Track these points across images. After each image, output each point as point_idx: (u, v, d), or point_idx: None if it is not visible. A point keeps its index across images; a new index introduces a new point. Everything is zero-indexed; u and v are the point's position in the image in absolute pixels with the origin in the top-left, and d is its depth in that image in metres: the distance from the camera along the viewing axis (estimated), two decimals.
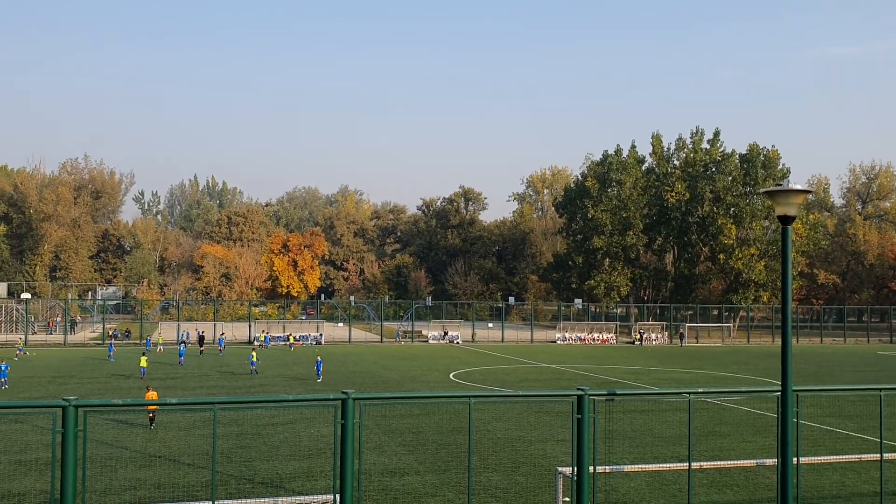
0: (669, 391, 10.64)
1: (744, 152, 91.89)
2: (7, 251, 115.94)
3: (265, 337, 66.24)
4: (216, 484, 8.77)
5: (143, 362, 42.48)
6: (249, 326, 71.68)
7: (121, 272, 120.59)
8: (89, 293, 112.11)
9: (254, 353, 45.17)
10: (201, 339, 58.90)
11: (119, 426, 26.21)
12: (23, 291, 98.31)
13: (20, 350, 54.23)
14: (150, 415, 26.44)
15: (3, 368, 37.93)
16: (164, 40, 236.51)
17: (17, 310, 77.35)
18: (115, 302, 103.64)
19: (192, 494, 17.50)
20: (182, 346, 53.41)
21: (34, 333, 70.72)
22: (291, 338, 67.37)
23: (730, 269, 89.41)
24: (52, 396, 33.81)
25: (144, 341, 61.77)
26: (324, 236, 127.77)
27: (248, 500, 12.52)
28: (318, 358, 43.17)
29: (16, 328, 72.95)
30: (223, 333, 61.64)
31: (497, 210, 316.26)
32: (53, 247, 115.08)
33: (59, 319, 75.83)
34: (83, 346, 64.22)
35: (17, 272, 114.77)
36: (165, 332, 70.09)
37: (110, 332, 69.93)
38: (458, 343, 72.45)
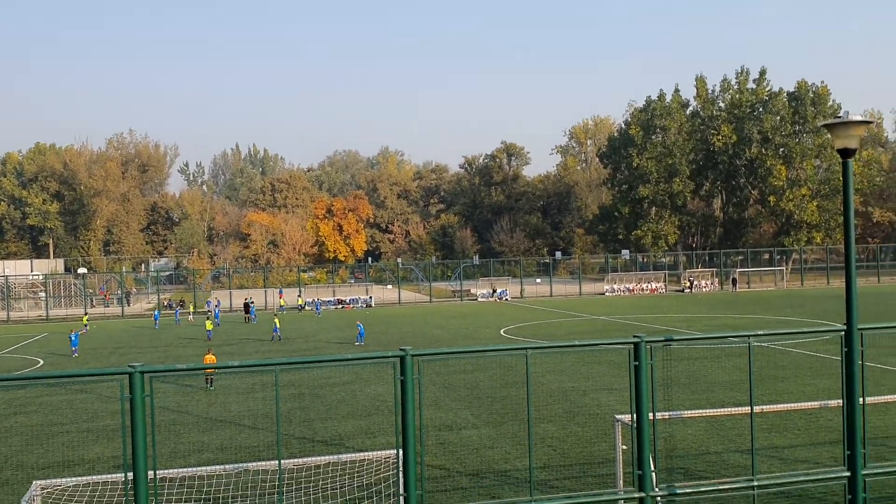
0: (728, 335, 10.46)
1: (792, 90, 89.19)
2: (61, 228, 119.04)
3: (317, 303, 66.84)
4: (281, 444, 8.95)
5: (209, 325, 44.95)
6: (299, 293, 72.67)
7: (171, 243, 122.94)
8: (142, 265, 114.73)
9: (276, 320, 45.73)
10: (247, 307, 59.13)
11: (181, 392, 26.91)
12: (79, 266, 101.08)
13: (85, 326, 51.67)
14: (208, 377, 27.56)
15: (73, 338, 39.63)
16: (203, 8, 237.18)
17: (74, 285, 79.61)
18: (167, 273, 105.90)
19: (256, 455, 17.93)
20: (216, 310, 58.82)
21: (92, 307, 72.71)
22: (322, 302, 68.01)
23: (780, 212, 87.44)
24: (115, 366, 34.84)
25: (174, 312, 63.22)
26: (367, 199, 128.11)
27: (312, 459, 12.76)
28: (358, 323, 43.14)
29: (74, 302, 75.09)
30: (253, 301, 62.42)
31: (540, 164, 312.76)
32: (105, 221, 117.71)
33: (117, 292, 77.80)
34: (140, 317, 65.87)
35: (72, 248, 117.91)
36: (222, 299, 71.15)
37: (165, 303, 71.65)
38: (507, 300, 72.50)
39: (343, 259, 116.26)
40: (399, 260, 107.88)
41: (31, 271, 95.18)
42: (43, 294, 74.97)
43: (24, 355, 40.51)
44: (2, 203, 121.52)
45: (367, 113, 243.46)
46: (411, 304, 72.18)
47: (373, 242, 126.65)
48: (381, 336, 43.81)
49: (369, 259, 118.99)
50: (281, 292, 74.73)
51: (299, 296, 69.88)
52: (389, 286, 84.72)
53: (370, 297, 71.49)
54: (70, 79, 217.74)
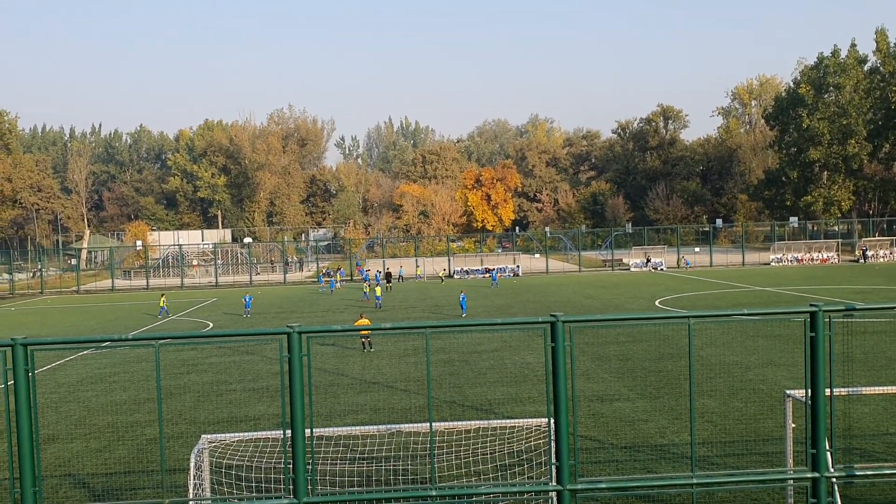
0: None
1: None
2: (228, 200, 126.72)
3: (493, 273, 65.90)
4: (432, 406, 8.90)
5: (378, 292, 46.63)
6: (448, 261, 73.50)
7: (329, 215, 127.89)
8: (302, 235, 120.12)
9: (378, 288, 46.57)
10: (388, 275, 61.47)
11: (339, 355, 27.83)
12: (244, 236, 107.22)
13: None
14: (363, 340, 28.46)
15: (247, 300, 42.53)
16: None
17: (240, 253, 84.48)
18: (325, 242, 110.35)
19: (408, 417, 18.19)
20: (366, 273, 63.87)
21: (257, 274, 76.94)
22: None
23: None
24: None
25: (363, 277, 65.59)
26: (515, 168, 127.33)
27: (463, 423, 12.69)
28: (462, 293, 42.69)
29: (241, 270, 79.74)
30: (390, 270, 64.25)
31: (700, 128, 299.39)
32: (268, 193, 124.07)
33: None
34: (301, 284, 68.99)
35: (238, 219, 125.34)
36: (372, 268, 73.50)
37: (324, 270, 74.79)
38: (662, 270, 70.10)
39: (491, 228, 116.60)
40: (547, 229, 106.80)
41: (202, 241, 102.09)
42: (205, 262, 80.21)
43: (197, 318, 43.42)
44: (176, 177, 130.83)
45: (516, 81, 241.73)
46: (559, 273, 71.33)
47: (521, 211, 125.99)
48: (528, 305, 43.51)
49: (517, 228, 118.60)
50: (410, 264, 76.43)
51: (443, 269, 70.93)
52: (537, 255, 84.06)
53: (517, 266, 71.26)
54: (233, 56, 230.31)
